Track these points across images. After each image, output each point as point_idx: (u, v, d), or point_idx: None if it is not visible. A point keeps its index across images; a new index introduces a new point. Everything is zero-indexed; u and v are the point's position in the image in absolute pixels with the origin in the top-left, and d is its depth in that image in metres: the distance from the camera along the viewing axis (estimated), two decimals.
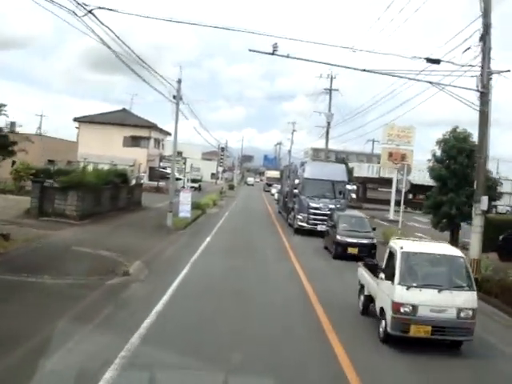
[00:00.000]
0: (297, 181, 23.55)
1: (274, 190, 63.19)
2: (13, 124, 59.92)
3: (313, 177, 23.08)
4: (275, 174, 76.72)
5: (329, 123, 42.84)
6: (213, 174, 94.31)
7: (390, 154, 37.63)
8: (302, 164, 25.13)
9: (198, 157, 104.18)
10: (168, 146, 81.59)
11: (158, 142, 52.30)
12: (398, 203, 38.76)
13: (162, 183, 47.98)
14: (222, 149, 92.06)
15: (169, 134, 56.45)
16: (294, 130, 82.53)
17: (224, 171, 56.64)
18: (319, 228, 22.73)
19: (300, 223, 22.98)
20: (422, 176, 49.76)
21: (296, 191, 23.45)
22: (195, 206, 29.64)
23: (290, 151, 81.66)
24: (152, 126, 48.37)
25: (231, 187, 70.93)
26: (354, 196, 23.79)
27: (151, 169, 48.23)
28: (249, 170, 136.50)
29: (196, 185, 56.50)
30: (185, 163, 46.67)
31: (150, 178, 48.17)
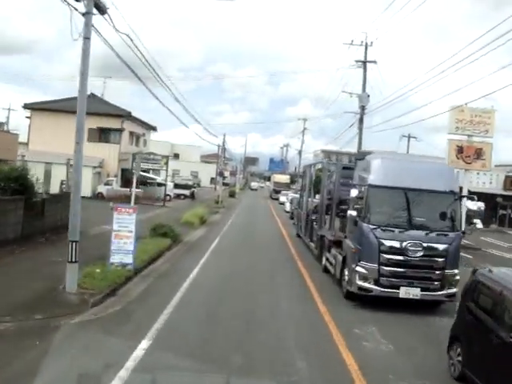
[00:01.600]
0: (354, 192, 10.80)
1: (283, 198, 50.49)
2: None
3: (390, 184, 10.37)
4: (284, 178, 64.08)
5: (363, 108, 30.30)
6: (212, 179, 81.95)
7: (460, 150, 24.93)
8: (361, 157, 12.17)
9: (197, 159, 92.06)
10: (154, 144, 69.28)
11: (136, 136, 39.85)
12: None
13: (138, 190, 35.39)
14: (223, 150, 79.64)
15: (153, 128, 44.08)
16: (304, 128, 70.08)
17: (221, 175, 43.77)
18: (404, 294, 10.18)
19: (361, 282, 10.33)
20: (481, 181, 37.24)
21: (352, 214, 10.76)
22: (160, 233, 17.20)
23: (300, 152, 69.09)
24: (125, 115, 35.89)
25: (232, 194, 58.32)
26: (479, 225, 10.98)
27: (124, 171, 35.72)
28: (253, 174, 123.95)
29: (187, 192, 43.98)
30: (167, 163, 34.05)
31: (124, 184, 35.71)
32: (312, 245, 17.57)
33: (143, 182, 38.06)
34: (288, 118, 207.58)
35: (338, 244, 13.04)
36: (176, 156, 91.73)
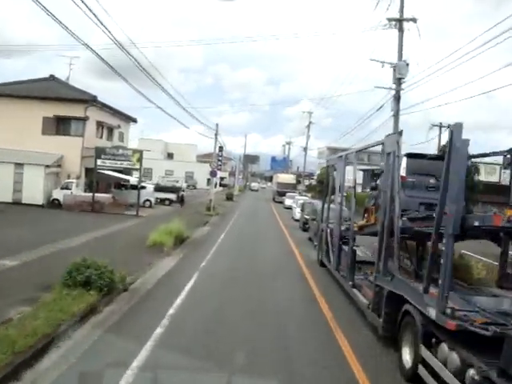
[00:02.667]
0: None
1: (289, 202, 42.50)
2: None
3: None
4: (289, 178, 55.78)
5: (400, 81, 22.22)
6: (209, 180, 73.68)
7: None
8: None
9: (193, 159, 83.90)
10: (145, 142, 61.11)
11: (108, 128, 31.76)
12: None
13: (105, 195, 27.34)
14: (221, 148, 71.33)
15: (132, 119, 36.03)
16: (310, 122, 62.09)
17: (214, 174, 35.52)
18: None
19: None
20: None
21: None
22: (80, 280, 9.18)
23: (305, 148, 60.97)
24: (89, 100, 27.78)
25: (229, 197, 50.24)
26: None
27: (90, 171, 27.61)
28: (253, 174, 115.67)
29: (172, 196, 35.85)
30: (140, 160, 25.89)
31: (90, 187, 27.59)
32: (360, 298, 9.44)
33: (119, 185, 30.12)
34: (290, 117, 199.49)
35: (461, 338, 5.03)
36: (170, 156, 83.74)
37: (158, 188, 35.06)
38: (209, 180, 72.83)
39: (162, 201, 34.56)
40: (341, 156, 12.87)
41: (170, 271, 12.69)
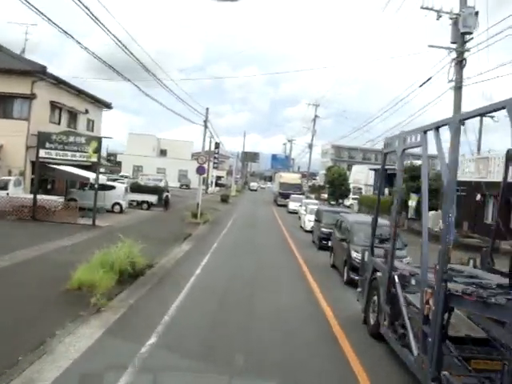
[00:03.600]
0: None
1: (293, 205, 35.79)
2: None
3: None
4: (293, 178, 48.65)
5: (464, 37, 15.42)
6: (204, 179, 66.72)
7: None
8: None
9: (188, 157, 76.93)
10: (135, 138, 54.20)
11: (69, 113, 24.90)
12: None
13: (52, 199, 20.48)
14: (217, 144, 64.53)
15: (105, 104, 29.24)
16: (315, 116, 55.32)
17: (201, 172, 28.04)
18: None
19: None
20: None
21: None
22: None
23: (311, 145, 54.07)
24: (35, 72, 20.91)
25: (224, 199, 43.44)
26: None
27: (37, 165, 20.69)
28: (253, 174, 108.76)
29: (152, 198, 29.01)
30: (98, 150, 18.82)
31: (40, 186, 20.73)
32: None
33: (84, 185, 23.35)
34: (290, 117, 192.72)
35: None
36: (163, 152, 76.88)
37: (136, 188, 28.25)
38: (204, 179, 66.25)
39: (139, 204, 27.79)
40: (437, 127, 6.01)
41: (77, 369, 5.81)
